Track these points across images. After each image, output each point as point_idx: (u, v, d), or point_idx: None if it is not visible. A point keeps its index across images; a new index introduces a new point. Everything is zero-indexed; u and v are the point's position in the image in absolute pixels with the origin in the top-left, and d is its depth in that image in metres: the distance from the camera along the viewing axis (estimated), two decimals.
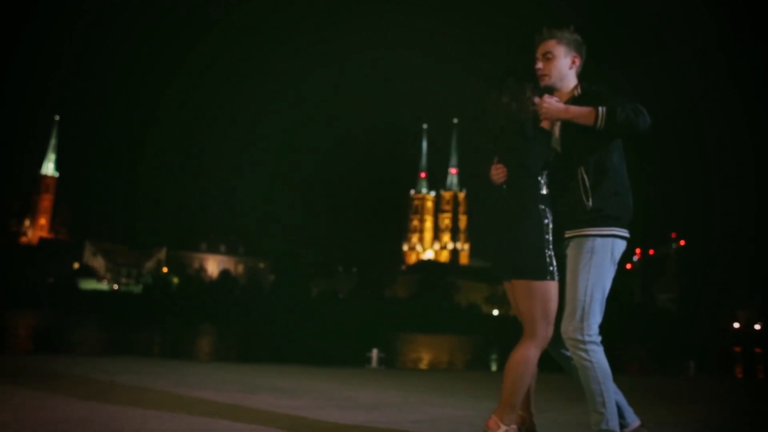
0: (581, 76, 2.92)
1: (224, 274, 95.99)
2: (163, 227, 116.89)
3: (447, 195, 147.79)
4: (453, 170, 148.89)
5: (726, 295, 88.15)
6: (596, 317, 2.69)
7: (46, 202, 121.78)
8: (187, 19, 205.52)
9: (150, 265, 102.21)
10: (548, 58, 2.85)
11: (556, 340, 2.79)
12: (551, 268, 2.70)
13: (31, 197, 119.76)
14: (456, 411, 4.40)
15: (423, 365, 19.93)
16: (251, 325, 48.66)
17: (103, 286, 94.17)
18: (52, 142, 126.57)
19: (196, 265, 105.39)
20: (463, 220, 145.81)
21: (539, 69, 2.86)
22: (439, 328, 63.10)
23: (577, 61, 2.89)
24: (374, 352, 10.18)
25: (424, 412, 4.21)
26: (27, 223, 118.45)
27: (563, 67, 2.86)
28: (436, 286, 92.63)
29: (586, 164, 2.73)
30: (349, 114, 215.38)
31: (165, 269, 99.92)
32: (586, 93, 2.82)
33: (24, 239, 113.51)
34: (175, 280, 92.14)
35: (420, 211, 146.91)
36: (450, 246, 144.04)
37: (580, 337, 2.66)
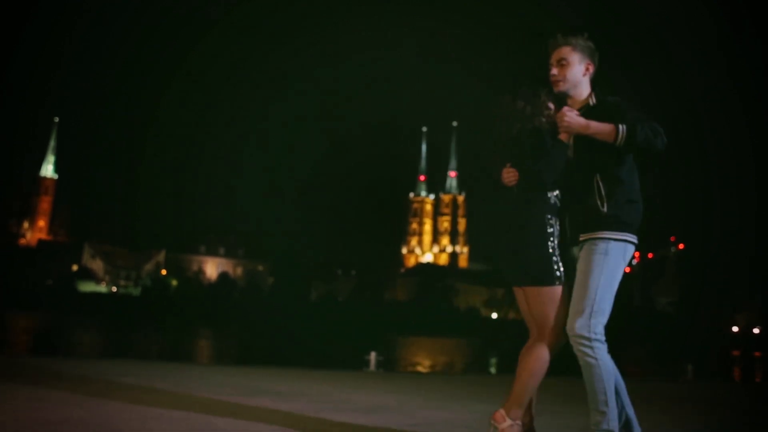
0: (594, 84, 2.96)
1: (223, 276, 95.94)
2: (162, 229, 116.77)
3: (446, 198, 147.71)
4: (452, 173, 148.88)
5: (725, 299, 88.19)
6: (604, 317, 2.74)
7: (45, 203, 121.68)
8: (187, 19, 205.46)
9: (149, 267, 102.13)
10: (563, 64, 2.89)
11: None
12: (559, 273, 2.79)
13: (30, 199, 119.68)
14: (453, 414, 4.42)
15: (421, 368, 19.94)
16: (250, 328, 48.61)
17: (102, 288, 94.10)
18: (52, 143, 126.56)
19: (195, 267, 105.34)
20: (462, 223, 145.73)
21: (554, 75, 2.90)
22: (438, 331, 63.02)
23: (591, 69, 2.93)
24: (372, 355, 10.19)
25: (422, 416, 4.23)
26: (26, 224, 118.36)
27: (577, 73, 2.90)
28: (435, 289, 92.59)
29: (601, 172, 2.79)
30: (348, 116, 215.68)
31: (164, 271, 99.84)
32: (602, 104, 2.87)
33: (23, 241, 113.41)
34: (174, 282, 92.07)
35: (419, 214, 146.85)
36: (449, 249, 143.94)
37: (586, 334, 2.70)
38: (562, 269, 2.80)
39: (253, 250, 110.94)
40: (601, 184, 2.78)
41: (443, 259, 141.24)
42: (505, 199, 2.95)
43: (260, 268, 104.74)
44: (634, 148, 2.71)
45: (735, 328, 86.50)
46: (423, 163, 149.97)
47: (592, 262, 2.75)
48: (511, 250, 2.85)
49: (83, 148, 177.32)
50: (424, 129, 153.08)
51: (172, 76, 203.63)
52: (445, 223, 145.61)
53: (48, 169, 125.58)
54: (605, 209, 2.76)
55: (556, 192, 2.86)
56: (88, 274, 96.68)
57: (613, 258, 2.75)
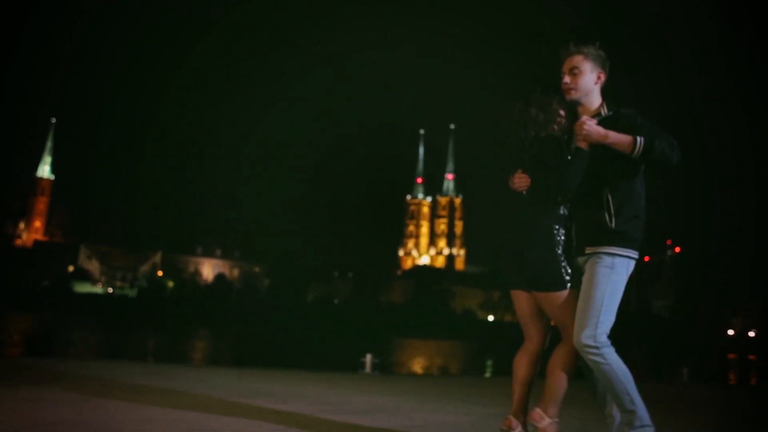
0: (604, 92, 2.99)
1: (219, 278, 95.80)
2: (159, 231, 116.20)
3: (443, 200, 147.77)
4: (449, 176, 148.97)
5: (721, 302, 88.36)
6: (607, 327, 2.81)
7: (42, 204, 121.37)
8: (187, 19, 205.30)
9: (145, 268, 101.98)
10: (575, 73, 2.93)
11: None
12: (568, 277, 2.86)
13: (26, 199, 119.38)
14: (449, 417, 4.42)
15: (417, 370, 19.94)
16: (246, 330, 48.55)
17: (98, 289, 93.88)
18: (48, 144, 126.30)
19: (192, 268, 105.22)
20: (459, 226, 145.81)
21: (566, 83, 2.94)
22: (435, 333, 63.05)
23: (602, 77, 2.96)
24: (368, 357, 10.19)
25: (416, 418, 4.23)
26: (22, 225, 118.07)
27: (589, 82, 2.93)
28: (432, 291, 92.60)
29: (612, 187, 2.84)
30: (345, 118, 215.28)
31: (160, 273, 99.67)
32: (617, 115, 2.90)
33: (19, 242, 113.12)
34: (170, 283, 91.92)
35: (416, 217, 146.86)
36: (446, 251, 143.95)
37: (593, 343, 2.76)
38: (570, 273, 2.87)
39: (249, 251, 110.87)
40: (610, 198, 2.83)
41: (440, 262, 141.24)
42: (514, 204, 2.99)
43: (257, 269, 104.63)
44: (649, 160, 2.75)
45: (731, 332, 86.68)
46: (420, 165, 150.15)
47: (597, 275, 2.81)
48: (519, 255, 2.90)
49: (80, 149, 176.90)
50: (422, 131, 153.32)
51: (172, 76, 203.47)
52: (442, 226, 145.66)
53: (45, 170, 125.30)
54: (613, 225, 2.81)
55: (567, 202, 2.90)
56: (84, 275, 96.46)
57: (617, 272, 2.81)
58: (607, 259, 2.81)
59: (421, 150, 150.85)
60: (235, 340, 35.67)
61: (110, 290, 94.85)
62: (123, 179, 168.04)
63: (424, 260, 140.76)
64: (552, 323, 3.03)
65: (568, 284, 2.86)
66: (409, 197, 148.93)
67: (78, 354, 18.27)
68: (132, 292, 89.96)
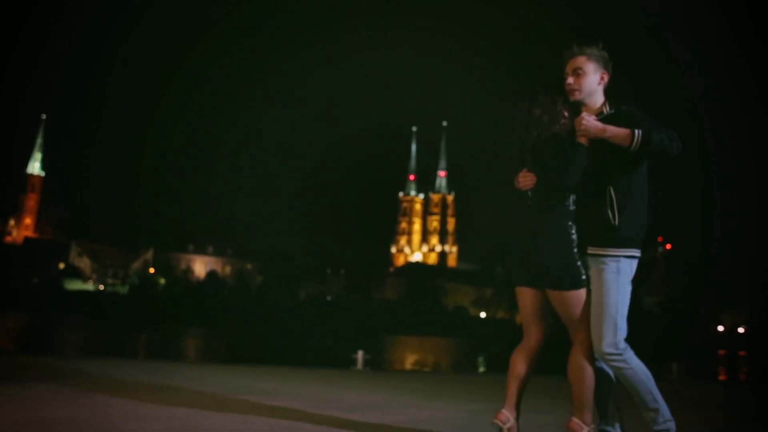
0: (607, 92, 3.00)
1: (211, 275, 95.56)
2: (151, 228, 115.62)
3: (435, 197, 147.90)
4: (442, 173, 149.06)
5: (711, 299, 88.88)
6: (624, 331, 2.83)
7: (32, 201, 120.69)
8: (187, 19, 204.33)
9: (137, 265, 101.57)
10: (578, 74, 2.94)
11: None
12: (584, 277, 2.87)
13: (16, 196, 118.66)
14: (440, 413, 4.43)
15: (409, 367, 19.97)
16: (238, 327, 48.48)
17: (89, 286, 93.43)
18: (39, 141, 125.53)
19: (184, 266, 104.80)
20: (451, 223, 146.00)
21: (569, 84, 2.95)
22: (427, 330, 63.17)
23: (606, 78, 2.98)
24: (360, 354, 10.19)
25: (407, 414, 4.24)
26: (12, 222, 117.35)
27: (593, 82, 2.95)
28: (424, 288, 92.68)
29: (615, 184, 2.85)
30: (337, 116, 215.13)
31: (152, 270, 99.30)
32: (618, 112, 2.91)
33: (9, 239, 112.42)
34: (162, 280, 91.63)
35: (408, 214, 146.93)
36: (438, 248, 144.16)
37: (615, 351, 2.80)
38: (584, 272, 2.88)
39: (241, 248, 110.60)
40: (613, 195, 2.84)
41: (432, 259, 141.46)
42: (522, 203, 3.00)
43: (249, 266, 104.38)
44: (648, 153, 2.76)
45: (720, 328, 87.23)
46: (413, 162, 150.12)
47: (607, 282, 2.83)
48: (532, 253, 2.89)
49: (72, 146, 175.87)
50: (414, 128, 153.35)
51: (172, 76, 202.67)
52: (434, 223, 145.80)
53: (35, 167, 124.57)
54: (617, 223, 2.82)
55: (573, 196, 2.90)
56: (75, 273, 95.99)
57: (623, 276, 2.84)
58: (612, 265, 2.83)
59: (414, 147, 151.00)
60: (228, 337, 35.61)
61: (101, 287, 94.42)
62: (115, 176, 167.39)
63: (417, 257, 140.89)
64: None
65: (583, 284, 2.86)
66: (401, 194, 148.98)
67: (68, 351, 18.19)
68: (123, 290, 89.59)
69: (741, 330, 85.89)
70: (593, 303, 2.84)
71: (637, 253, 2.87)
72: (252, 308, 69.25)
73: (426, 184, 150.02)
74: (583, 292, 2.86)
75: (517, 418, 2.94)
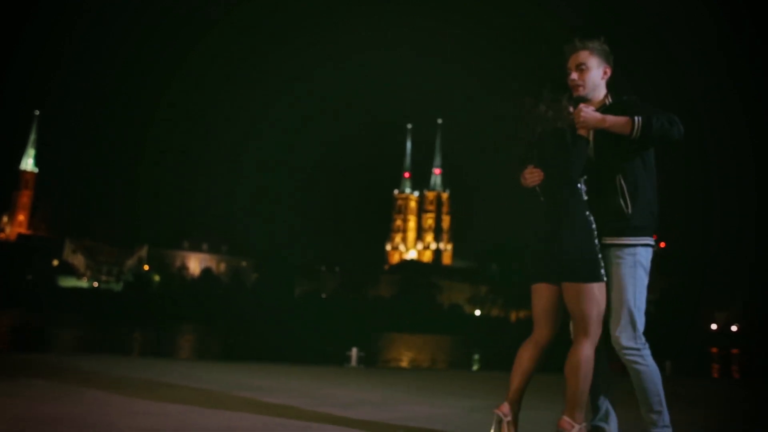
0: (609, 86, 3.01)
1: (206, 272, 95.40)
2: (145, 225, 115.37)
3: (430, 195, 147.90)
4: (437, 170, 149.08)
5: (704, 297, 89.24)
6: (643, 323, 2.84)
7: (25, 197, 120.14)
8: (187, 19, 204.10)
9: (131, 263, 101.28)
10: (582, 69, 2.94)
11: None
12: (602, 270, 2.84)
13: (10, 193, 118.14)
14: (434, 409, 4.42)
15: (404, 364, 19.98)
16: (233, 324, 48.42)
17: (83, 283, 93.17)
18: (32, 137, 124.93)
19: (178, 263, 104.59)
20: (446, 221, 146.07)
21: (573, 80, 2.95)
22: (422, 327, 63.24)
23: (608, 72, 2.98)
24: (354, 351, 10.18)
25: (401, 410, 4.23)
26: (5, 219, 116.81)
27: (596, 77, 2.95)
28: (419, 286, 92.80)
29: (624, 173, 2.84)
30: (333, 113, 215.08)
31: (146, 267, 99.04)
32: (618, 102, 2.92)
33: (2, 235, 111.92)
34: (157, 278, 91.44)
35: (403, 211, 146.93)
36: (433, 246, 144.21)
37: (635, 345, 2.80)
38: (603, 266, 2.86)
39: (236, 246, 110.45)
40: (624, 184, 2.83)
41: (427, 256, 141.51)
42: (537, 199, 2.99)
43: (244, 264, 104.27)
44: (650, 139, 2.75)
45: (714, 326, 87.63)
46: (408, 159, 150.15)
47: (625, 276, 2.82)
48: (551, 248, 2.86)
49: (65, 142, 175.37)
50: (409, 126, 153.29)
51: (172, 76, 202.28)
52: (429, 220, 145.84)
53: (28, 163, 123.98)
54: (629, 211, 2.82)
55: (584, 187, 2.89)
56: (69, 270, 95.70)
57: (641, 267, 2.84)
58: (629, 258, 2.82)
59: (409, 144, 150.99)
60: (222, 334, 35.56)
61: (96, 284, 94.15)
62: (109, 173, 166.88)
63: (412, 255, 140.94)
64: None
65: (602, 278, 2.84)
66: (396, 192, 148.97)
67: (63, 349, 18.13)
68: (118, 287, 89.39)
69: (734, 328, 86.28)
70: (612, 297, 2.83)
71: (651, 241, 2.87)
72: (247, 305, 69.21)
73: (421, 182, 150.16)
74: (599, 286, 2.82)
75: (517, 413, 2.93)
